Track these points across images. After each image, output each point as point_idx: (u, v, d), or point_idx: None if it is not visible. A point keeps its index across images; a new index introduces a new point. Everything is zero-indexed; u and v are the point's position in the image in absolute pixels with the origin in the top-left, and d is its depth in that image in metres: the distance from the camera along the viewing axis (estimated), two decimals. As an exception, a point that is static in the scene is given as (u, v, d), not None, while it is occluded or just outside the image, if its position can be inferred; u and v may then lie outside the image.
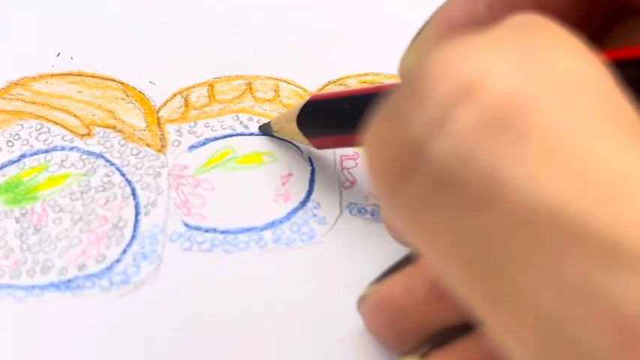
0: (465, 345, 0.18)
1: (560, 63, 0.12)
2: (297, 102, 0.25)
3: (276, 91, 0.28)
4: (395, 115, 0.13)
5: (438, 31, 0.20)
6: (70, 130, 0.25)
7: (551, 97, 0.12)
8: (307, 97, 0.24)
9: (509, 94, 0.12)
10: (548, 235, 0.11)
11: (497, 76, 0.12)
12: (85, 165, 0.24)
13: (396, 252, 0.23)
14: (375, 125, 0.13)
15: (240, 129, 0.26)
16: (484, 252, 0.12)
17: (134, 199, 0.24)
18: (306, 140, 0.24)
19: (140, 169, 0.25)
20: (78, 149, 0.25)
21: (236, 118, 0.26)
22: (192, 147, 0.25)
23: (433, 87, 0.12)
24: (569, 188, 0.11)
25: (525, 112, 0.12)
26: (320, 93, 0.24)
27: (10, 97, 0.26)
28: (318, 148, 0.24)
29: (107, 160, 0.25)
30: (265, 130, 0.26)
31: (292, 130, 0.24)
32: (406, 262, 0.20)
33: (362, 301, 0.21)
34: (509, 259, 0.12)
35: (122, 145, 0.25)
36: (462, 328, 0.18)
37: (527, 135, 0.12)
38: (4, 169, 0.24)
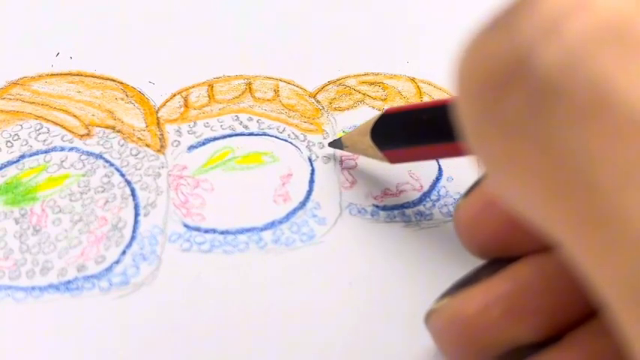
0: None
1: None
2: (371, 116, 0.24)
3: (276, 91, 0.28)
4: (501, 24, 0.13)
5: None
6: (70, 131, 0.25)
7: None
8: (382, 110, 0.23)
9: (623, 9, 0.12)
10: None
11: None
12: (84, 165, 0.24)
13: (395, 252, 0.23)
14: (477, 38, 0.13)
15: (239, 129, 0.26)
16: (583, 168, 0.11)
17: (134, 199, 0.24)
18: (379, 154, 0.23)
19: (140, 169, 0.25)
20: (77, 149, 0.25)
21: (236, 118, 0.26)
22: (191, 147, 0.25)
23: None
24: None
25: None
26: (395, 106, 0.23)
27: (9, 97, 0.26)
28: (393, 162, 0.23)
29: (106, 161, 0.25)
30: (336, 146, 0.25)
31: (366, 144, 0.23)
32: (481, 274, 0.19)
33: (432, 315, 0.19)
34: (610, 176, 0.11)
35: (122, 146, 0.25)
36: (535, 347, 0.17)
37: None
38: (3, 170, 0.24)
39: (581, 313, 0.17)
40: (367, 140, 0.23)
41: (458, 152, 0.20)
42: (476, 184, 0.19)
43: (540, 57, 0.12)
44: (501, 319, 0.18)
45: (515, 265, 0.18)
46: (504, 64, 0.12)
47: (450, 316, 0.19)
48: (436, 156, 0.23)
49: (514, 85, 0.12)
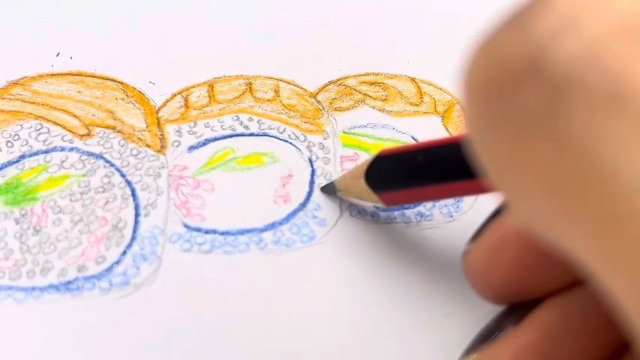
0: None
1: None
2: (365, 159, 0.24)
3: (276, 91, 0.28)
4: (514, 22, 0.12)
5: None
6: (70, 131, 0.25)
7: None
8: (375, 153, 0.23)
9: None
10: None
11: None
12: (84, 166, 0.24)
13: (395, 253, 0.23)
14: (488, 36, 0.13)
15: (240, 129, 0.26)
16: (601, 164, 0.11)
17: (134, 199, 0.24)
18: (374, 197, 0.22)
19: (140, 169, 0.25)
20: (77, 150, 0.25)
21: (236, 118, 0.26)
22: (192, 147, 0.25)
23: None
24: None
25: None
26: (389, 147, 0.23)
27: (9, 97, 0.26)
28: (388, 204, 0.23)
29: (107, 161, 0.25)
30: (328, 191, 0.25)
31: (360, 188, 0.23)
32: (504, 323, 0.18)
33: None
34: (632, 172, 0.10)
35: (122, 146, 0.25)
36: None
37: None
38: (3, 170, 0.24)
39: (614, 350, 0.17)
40: (361, 184, 0.23)
41: (455, 193, 0.20)
42: (482, 228, 0.19)
43: (557, 51, 0.11)
44: None
45: (537, 312, 0.17)
46: (518, 60, 0.12)
47: None
48: (434, 197, 0.23)
49: (528, 80, 0.12)
